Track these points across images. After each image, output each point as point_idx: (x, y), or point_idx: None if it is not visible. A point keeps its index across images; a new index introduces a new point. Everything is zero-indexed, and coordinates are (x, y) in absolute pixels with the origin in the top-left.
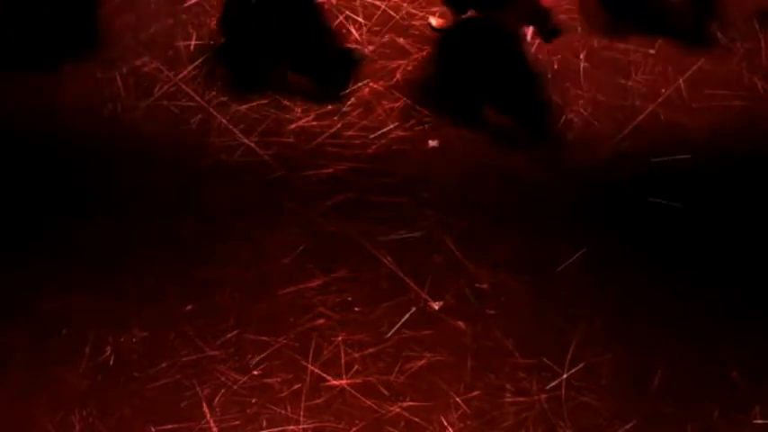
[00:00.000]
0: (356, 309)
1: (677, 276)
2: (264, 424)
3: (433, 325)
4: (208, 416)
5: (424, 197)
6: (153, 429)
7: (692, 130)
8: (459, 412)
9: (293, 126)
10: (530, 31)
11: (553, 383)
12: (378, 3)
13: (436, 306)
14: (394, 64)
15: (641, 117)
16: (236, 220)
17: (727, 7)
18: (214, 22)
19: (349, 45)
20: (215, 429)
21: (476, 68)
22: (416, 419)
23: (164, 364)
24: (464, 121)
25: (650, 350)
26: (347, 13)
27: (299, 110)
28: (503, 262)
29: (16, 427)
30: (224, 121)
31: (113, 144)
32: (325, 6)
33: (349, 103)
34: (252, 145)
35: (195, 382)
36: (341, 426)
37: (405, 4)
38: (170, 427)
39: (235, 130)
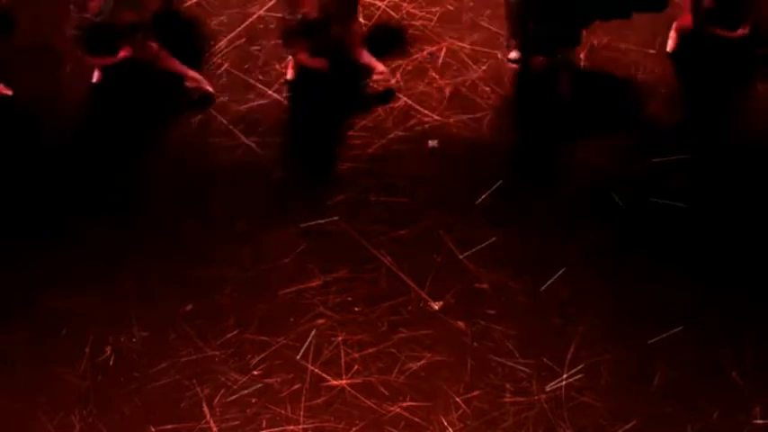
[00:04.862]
0: (356, 309)
1: (678, 276)
2: (264, 424)
3: (433, 325)
4: (208, 416)
5: (424, 197)
6: (153, 429)
7: (691, 130)
8: (459, 412)
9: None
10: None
11: (553, 383)
12: (378, 3)
13: (436, 306)
14: (394, 64)
15: (641, 117)
16: (237, 220)
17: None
18: (214, 23)
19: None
20: (215, 429)
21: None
22: (416, 419)
23: (164, 364)
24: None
25: (650, 350)
26: None
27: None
28: (503, 262)
29: (16, 427)
30: (224, 121)
31: (113, 144)
32: None
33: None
34: (252, 145)
35: (195, 382)
36: (341, 426)
37: (405, 4)
38: (170, 427)
39: (235, 130)
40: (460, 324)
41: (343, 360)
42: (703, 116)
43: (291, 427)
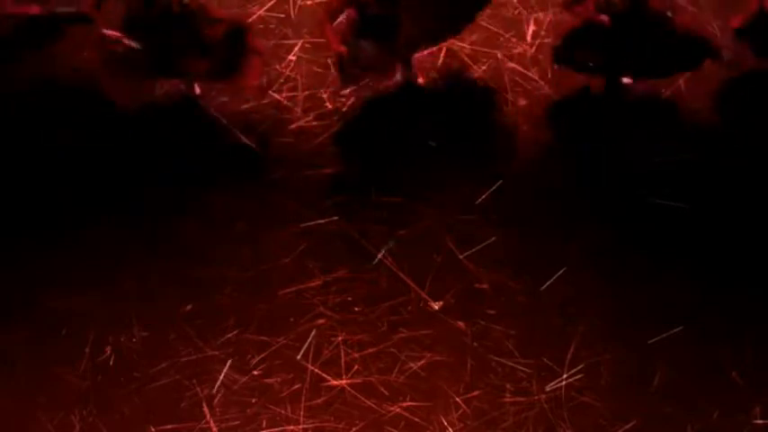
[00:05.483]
0: (356, 309)
1: (678, 276)
2: (264, 424)
3: (433, 325)
4: (208, 416)
5: (424, 197)
6: (153, 429)
7: (692, 130)
8: (459, 412)
9: (293, 126)
10: None
11: (553, 383)
12: None
13: (436, 306)
14: None
15: (641, 117)
16: (236, 220)
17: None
18: None
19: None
20: (215, 429)
21: None
22: (416, 419)
23: (164, 364)
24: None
25: (650, 350)
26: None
27: (299, 110)
28: (503, 262)
29: (16, 427)
30: (224, 121)
31: (112, 144)
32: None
33: (349, 103)
34: (252, 145)
35: (195, 382)
36: (341, 426)
37: None
38: (170, 427)
39: (235, 130)
40: (460, 324)
41: (343, 360)
42: (703, 116)
43: (291, 427)
